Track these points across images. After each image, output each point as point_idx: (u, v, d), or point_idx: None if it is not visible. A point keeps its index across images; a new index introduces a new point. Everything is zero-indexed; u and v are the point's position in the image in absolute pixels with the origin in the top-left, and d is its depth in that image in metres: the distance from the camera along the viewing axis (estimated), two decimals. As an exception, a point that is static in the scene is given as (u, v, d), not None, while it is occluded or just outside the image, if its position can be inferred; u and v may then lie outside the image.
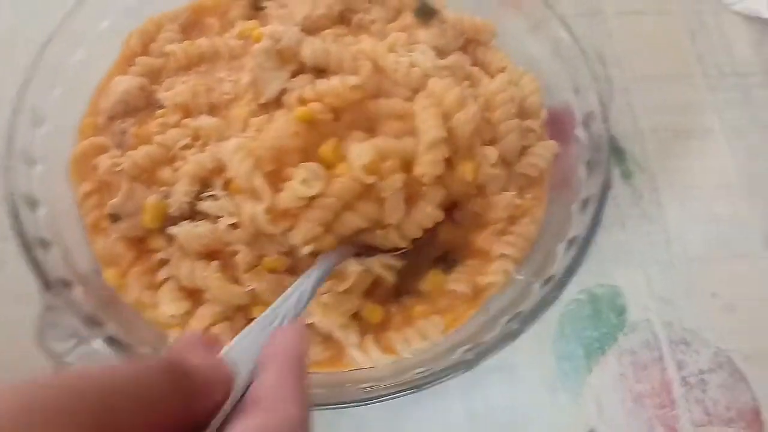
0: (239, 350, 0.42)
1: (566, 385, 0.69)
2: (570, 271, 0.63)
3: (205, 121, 0.71)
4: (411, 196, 0.66)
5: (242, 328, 0.64)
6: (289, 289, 0.52)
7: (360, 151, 0.62)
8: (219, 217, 0.66)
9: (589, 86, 0.75)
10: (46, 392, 0.29)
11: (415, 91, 0.71)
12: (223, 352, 0.42)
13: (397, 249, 0.66)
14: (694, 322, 0.73)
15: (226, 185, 0.67)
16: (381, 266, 0.66)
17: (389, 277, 0.67)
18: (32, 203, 0.67)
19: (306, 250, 0.62)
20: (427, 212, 0.65)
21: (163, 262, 0.68)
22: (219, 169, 0.67)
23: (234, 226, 0.65)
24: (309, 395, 0.38)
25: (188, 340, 0.41)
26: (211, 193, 0.67)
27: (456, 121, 0.66)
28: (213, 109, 0.74)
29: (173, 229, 0.66)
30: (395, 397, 0.58)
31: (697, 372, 0.71)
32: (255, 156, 0.63)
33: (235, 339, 0.44)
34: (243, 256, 0.64)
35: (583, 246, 0.64)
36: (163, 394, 0.33)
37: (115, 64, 0.82)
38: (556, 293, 0.62)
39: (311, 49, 0.72)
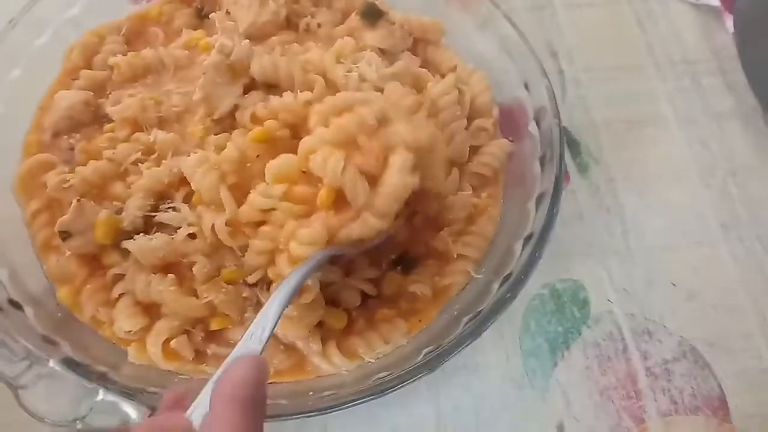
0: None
1: (533, 382, 0.69)
2: (527, 268, 0.62)
3: (160, 136, 0.70)
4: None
5: (201, 341, 0.64)
6: (257, 317, 0.52)
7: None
8: (177, 228, 0.65)
9: (538, 81, 0.75)
10: None
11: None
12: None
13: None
14: (656, 312, 0.74)
15: (187, 197, 0.66)
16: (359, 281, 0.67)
17: (370, 291, 0.67)
18: (-24, 226, 0.65)
19: (252, 279, 0.63)
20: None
21: (118, 278, 0.66)
22: (177, 182, 0.67)
23: (192, 236, 0.64)
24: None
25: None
26: (170, 205, 0.66)
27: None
28: (163, 123, 0.73)
29: (128, 244, 0.64)
30: (359, 404, 0.57)
31: (661, 362, 0.71)
32: (220, 170, 0.63)
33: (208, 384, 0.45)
34: (201, 267, 0.63)
35: (539, 242, 0.64)
36: None
37: (57, 79, 0.80)
38: (515, 291, 0.62)
39: (260, 65, 0.71)
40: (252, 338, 0.49)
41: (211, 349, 0.65)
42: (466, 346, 0.59)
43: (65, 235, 0.65)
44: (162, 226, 0.66)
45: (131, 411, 0.56)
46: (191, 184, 0.64)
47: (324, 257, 0.59)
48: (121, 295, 0.66)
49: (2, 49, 0.75)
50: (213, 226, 0.63)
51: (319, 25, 0.84)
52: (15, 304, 0.61)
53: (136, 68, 0.78)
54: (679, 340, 0.72)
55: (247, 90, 0.74)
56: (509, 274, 0.63)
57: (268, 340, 0.50)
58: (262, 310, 0.52)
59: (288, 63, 0.72)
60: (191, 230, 0.64)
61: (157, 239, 0.64)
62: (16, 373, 0.56)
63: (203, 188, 0.63)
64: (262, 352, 0.48)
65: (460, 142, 0.73)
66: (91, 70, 0.79)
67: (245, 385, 0.40)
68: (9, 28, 0.76)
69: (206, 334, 0.65)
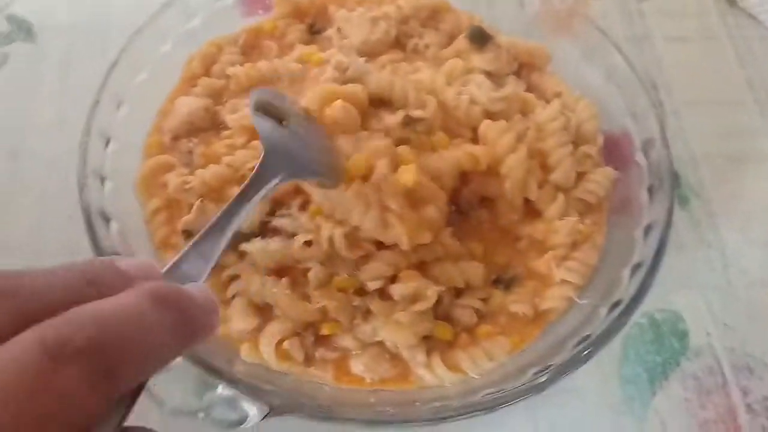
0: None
1: (631, 409, 0.69)
2: (639, 296, 0.63)
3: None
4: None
5: (311, 344, 0.66)
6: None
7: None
8: (293, 234, 0.67)
9: (647, 111, 0.76)
10: None
11: (475, 129, 0.74)
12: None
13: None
14: (757, 347, 0.73)
15: (302, 205, 0.68)
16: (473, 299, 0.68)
17: (482, 308, 0.68)
18: (105, 218, 0.68)
19: (373, 285, 0.65)
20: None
21: (233, 278, 0.69)
22: (293, 191, 0.69)
23: (307, 243, 0.66)
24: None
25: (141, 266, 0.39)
26: (287, 212, 0.68)
27: (506, 166, 0.70)
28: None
29: (246, 246, 0.67)
30: (468, 417, 0.58)
31: (761, 399, 0.70)
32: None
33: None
34: (315, 273, 0.65)
35: (650, 271, 0.64)
36: (163, 332, 0.34)
37: (178, 86, 0.84)
38: (625, 318, 0.62)
39: (377, 81, 0.74)
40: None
41: (320, 353, 0.67)
42: (577, 369, 0.60)
43: (187, 234, 0.68)
44: (277, 231, 0.69)
45: (249, 407, 0.58)
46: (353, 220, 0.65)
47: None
48: (235, 296, 0.68)
49: (131, 54, 0.78)
50: (331, 237, 0.65)
51: (426, 46, 0.86)
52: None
53: (252, 79, 0.81)
54: (780, 377, 0.72)
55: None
56: (618, 301, 0.64)
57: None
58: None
59: (403, 82, 0.74)
60: (308, 238, 0.66)
61: (274, 243, 0.67)
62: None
63: (361, 222, 0.65)
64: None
65: (567, 168, 0.74)
66: (210, 78, 0.83)
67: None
68: (135, 37, 0.80)
69: (316, 338, 0.67)
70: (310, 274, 0.65)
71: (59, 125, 0.89)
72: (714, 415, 0.69)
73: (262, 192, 0.56)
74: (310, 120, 0.68)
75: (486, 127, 0.73)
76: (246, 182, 0.56)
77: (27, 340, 0.29)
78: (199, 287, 0.40)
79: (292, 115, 0.66)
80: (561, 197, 0.73)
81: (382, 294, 0.66)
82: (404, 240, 0.63)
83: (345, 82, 0.74)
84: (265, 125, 0.63)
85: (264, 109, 0.64)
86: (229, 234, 0.51)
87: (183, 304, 0.36)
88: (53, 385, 0.28)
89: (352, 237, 0.65)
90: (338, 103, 0.68)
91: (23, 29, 0.98)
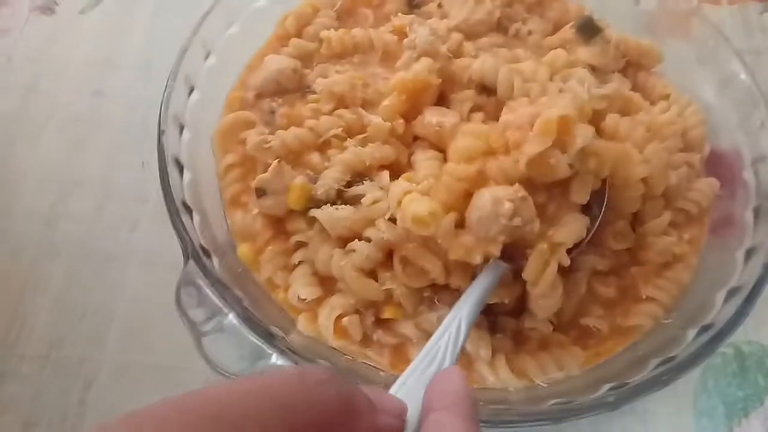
0: (404, 392, 0.44)
1: (704, 444, 0.64)
2: (734, 322, 0.58)
3: (374, 120, 0.70)
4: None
5: (371, 324, 0.63)
6: (445, 322, 0.53)
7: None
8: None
9: (761, 127, 0.70)
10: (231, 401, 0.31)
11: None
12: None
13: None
14: None
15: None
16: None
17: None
18: (179, 167, 0.67)
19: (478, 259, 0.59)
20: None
21: (300, 245, 0.66)
22: (378, 166, 0.67)
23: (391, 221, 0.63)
24: None
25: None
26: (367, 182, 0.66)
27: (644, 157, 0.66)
28: (366, 105, 0.73)
29: (316, 212, 0.64)
30: (532, 426, 0.54)
31: None
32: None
33: (397, 382, 0.45)
34: (373, 251, 0.62)
35: (749, 298, 0.59)
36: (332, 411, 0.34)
37: (268, 43, 0.82)
38: (715, 344, 0.57)
39: (482, 66, 0.70)
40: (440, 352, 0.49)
41: (378, 335, 0.64)
42: (654, 391, 0.55)
43: (261, 192, 0.66)
44: (353, 202, 0.66)
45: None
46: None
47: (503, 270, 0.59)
48: (300, 263, 0.66)
49: (225, 6, 0.77)
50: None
51: (529, 33, 0.82)
52: (205, 251, 0.62)
53: (345, 45, 0.78)
54: None
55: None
56: (709, 325, 0.59)
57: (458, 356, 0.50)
58: (449, 316, 0.53)
59: (507, 70, 0.70)
60: (377, 195, 0.64)
61: (345, 210, 0.64)
62: (200, 319, 0.57)
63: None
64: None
65: (680, 175, 0.69)
66: (302, 39, 0.80)
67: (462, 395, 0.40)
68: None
69: (376, 320, 0.64)
70: (361, 257, 0.62)
71: (145, 69, 0.88)
72: (795, 462, 0.64)
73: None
74: None
75: (614, 121, 0.68)
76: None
77: None
78: None
79: None
80: (667, 214, 0.68)
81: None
82: None
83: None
84: None
85: None
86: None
87: None
88: None
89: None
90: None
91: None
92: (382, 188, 0.66)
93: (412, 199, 0.60)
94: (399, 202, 0.61)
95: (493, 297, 0.60)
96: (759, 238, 0.63)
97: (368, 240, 0.63)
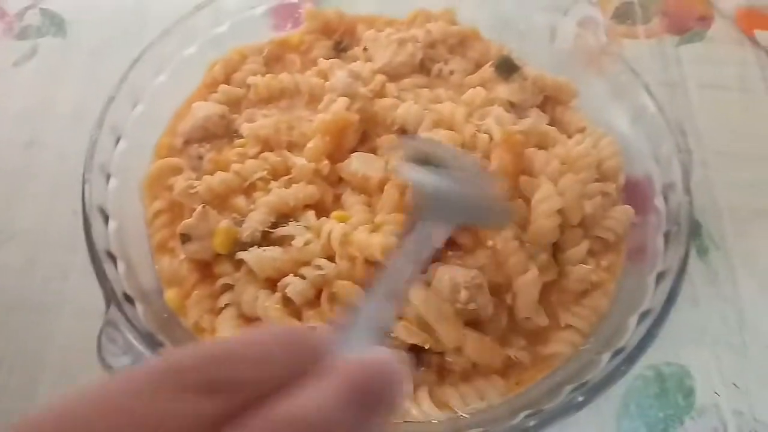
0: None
1: (627, 466, 0.66)
2: (642, 345, 0.60)
3: (299, 162, 0.72)
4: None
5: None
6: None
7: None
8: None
9: (671, 156, 0.73)
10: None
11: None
12: None
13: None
14: (766, 412, 0.69)
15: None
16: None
17: None
18: (104, 216, 0.67)
19: None
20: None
21: (226, 288, 0.67)
22: (302, 207, 0.70)
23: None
24: None
25: None
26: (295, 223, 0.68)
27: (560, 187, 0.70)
28: (291, 147, 0.75)
29: (243, 254, 0.65)
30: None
31: (767, 467, 0.66)
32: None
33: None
34: (303, 290, 0.64)
35: (657, 320, 0.61)
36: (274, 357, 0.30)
37: (197, 90, 0.84)
38: (626, 367, 0.59)
39: (405, 111, 0.74)
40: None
41: (305, 374, 0.64)
42: (569, 416, 0.57)
43: (185, 238, 0.67)
44: (279, 243, 0.67)
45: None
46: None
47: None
48: (226, 306, 0.67)
49: (154, 54, 0.78)
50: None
51: (451, 72, 0.85)
52: (128, 299, 0.63)
53: (272, 90, 0.80)
54: (789, 447, 0.68)
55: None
56: (621, 349, 0.61)
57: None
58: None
59: (419, 111, 0.74)
60: (308, 237, 0.66)
61: (272, 251, 0.65)
62: (119, 366, 0.57)
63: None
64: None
65: (596, 204, 0.72)
66: (229, 86, 0.82)
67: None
68: (162, 37, 0.80)
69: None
70: (295, 292, 0.63)
71: (78, 120, 0.89)
72: (715, 480, 0.65)
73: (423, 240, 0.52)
74: (473, 164, 0.68)
75: (530, 155, 0.72)
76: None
77: None
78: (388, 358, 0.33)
79: (449, 160, 0.63)
80: (585, 243, 0.71)
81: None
82: None
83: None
84: (419, 174, 0.61)
85: (419, 159, 0.62)
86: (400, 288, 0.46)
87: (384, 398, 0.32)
88: None
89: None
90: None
91: (55, 23, 0.99)
92: (308, 227, 0.67)
93: (367, 235, 0.65)
94: (340, 242, 0.64)
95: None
96: (668, 262, 0.66)
97: (302, 277, 0.64)
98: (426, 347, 0.62)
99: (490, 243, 0.67)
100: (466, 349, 0.63)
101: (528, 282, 0.65)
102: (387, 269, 0.46)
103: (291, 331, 0.34)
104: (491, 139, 0.72)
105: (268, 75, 0.82)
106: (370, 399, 0.31)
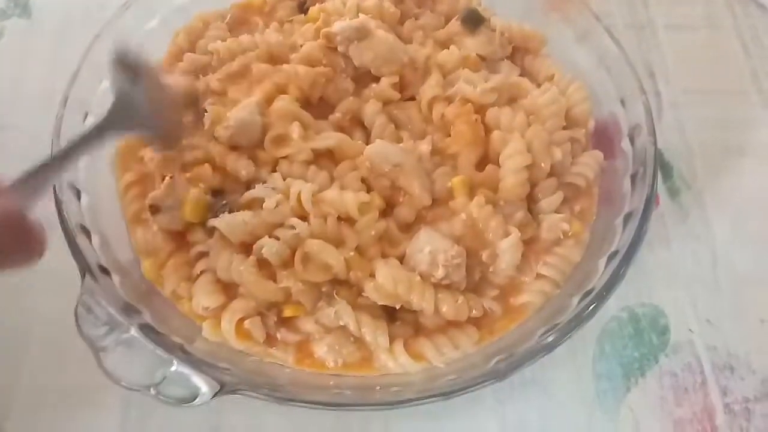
0: None
1: (604, 405, 0.67)
2: (609, 285, 0.61)
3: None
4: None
5: (274, 324, 0.64)
6: None
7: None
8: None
9: (636, 98, 0.73)
10: None
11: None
12: None
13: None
14: (740, 347, 0.70)
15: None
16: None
17: None
18: (77, 192, 0.68)
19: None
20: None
21: (201, 255, 0.68)
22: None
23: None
24: None
25: None
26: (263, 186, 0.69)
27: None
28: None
29: (214, 221, 0.66)
30: (424, 403, 0.56)
31: (741, 399, 0.68)
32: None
33: None
34: (278, 251, 0.64)
35: (623, 261, 0.62)
36: None
37: (164, 60, 0.83)
38: (595, 308, 0.60)
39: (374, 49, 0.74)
40: None
41: (281, 334, 0.65)
42: (539, 358, 0.58)
43: (155, 209, 0.67)
44: (248, 207, 0.67)
45: (202, 384, 0.57)
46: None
47: None
48: (202, 272, 0.67)
49: (115, 31, 0.78)
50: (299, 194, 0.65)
51: (420, 28, 0.84)
52: (104, 270, 0.63)
53: (233, 53, 0.79)
54: (763, 378, 0.69)
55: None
56: (590, 290, 0.62)
57: None
58: None
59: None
60: (278, 198, 0.66)
61: (243, 215, 0.66)
62: (98, 335, 0.58)
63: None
64: None
65: (565, 152, 0.72)
66: (194, 54, 0.82)
67: None
68: (122, 11, 0.79)
69: (278, 319, 0.65)
70: (270, 252, 0.64)
71: (46, 100, 0.87)
72: (690, 414, 0.67)
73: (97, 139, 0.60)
74: (161, 81, 0.68)
75: (495, 114, 0.73)
76: (89, 128, 0.60)
77: None
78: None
79: (144, 72, 0.64)
80: (560, 194, 0.71)
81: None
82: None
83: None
84: (118, 77, 0.63)
85: (122, 61, 0.63)
86: (62, 168, 0.59)
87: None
88: None
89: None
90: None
91: (19, 5, 0.98)
92: (275, 189, 0.68)
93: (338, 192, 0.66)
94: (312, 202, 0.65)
95: None
96: (635, 203, 0.67)
97: (277, 239, 0.65)
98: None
99: (462, 216, 0.67)
100: (440, 311, 0.63)
101: (511, 245, 0.66)
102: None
103: None
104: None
105: (229, 39, 0.81)
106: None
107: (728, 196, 0.80)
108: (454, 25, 0.83)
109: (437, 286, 0.63)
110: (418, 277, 0.63)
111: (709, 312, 0.72)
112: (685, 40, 0.94)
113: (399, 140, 0.72)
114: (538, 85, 0.79)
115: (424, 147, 0.70)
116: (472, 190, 0.68)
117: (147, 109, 0.64)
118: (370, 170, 0.68)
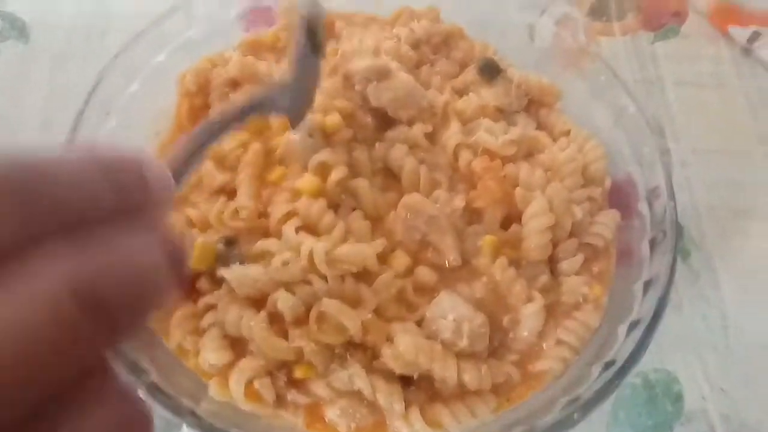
0: None
1: (617, 475, 0.66)
2: (634, 357, 0.59)
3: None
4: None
5: (283, 386, 0.62)
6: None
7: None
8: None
9: (654, 159, 0.73)
10: None
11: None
12: None
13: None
14: (753, 415, 0.70)
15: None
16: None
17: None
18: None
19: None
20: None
21: (209, 308, 0.65)
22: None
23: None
24: None
25: None
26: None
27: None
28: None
29: (224, 271, 0.63)
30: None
31: (754, 470, 0.67)
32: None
33: None
34: (292, 306, 0.62)
35: (648, 331, 0.61)
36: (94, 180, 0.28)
37: (178, 103, 0.81)
38: (618, 380, 0.58)
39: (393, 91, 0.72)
40: None
41: (292, 395, 0.63)
42: (566, 430, 0.56)
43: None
44: (258, 259, 0.65)
45: (213, 450, 0.54)
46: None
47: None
48: (210, 326, 0.65)
49: (124, 63, 0.76)
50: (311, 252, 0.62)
51: (437, 74, 0.83)
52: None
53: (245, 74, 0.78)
54: (775, 448, 0.68)
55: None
56: (612, 361, 0.60)
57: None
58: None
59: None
60: (286, 257, 0.63)
61: (254, 269, 0.63)
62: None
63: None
64: None
65: (584, 211, 0.71)
66: (204, 95, 0.79)
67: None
68: (131, 44, 0.77)
69: (288, 380, 0.63)
70: (286, 306, 0.61)
71: (45, 128, 0.86)
72: (705, 485, 0.66)
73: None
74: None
75: (517, 168, 0.72)
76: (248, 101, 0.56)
77: (55, 283, 0.25)
78: None
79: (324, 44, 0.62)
80: (581, 256, 0.70)
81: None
82: None
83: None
84: (303, 42, 0.59)
85: (310, 27, 0.60)
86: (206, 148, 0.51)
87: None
88: (78, 344, 0.25)
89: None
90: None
91: (16, 27, 0.95)
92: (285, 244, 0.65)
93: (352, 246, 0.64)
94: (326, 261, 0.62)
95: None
96: (655, 269, 0.66)
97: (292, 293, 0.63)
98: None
99: (484, 279, 0.66)
100: (463, 381, 0.61)
101: (534, 311, 0.64)
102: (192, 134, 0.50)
103: (117, 159, 0.30)
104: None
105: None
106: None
107: (737, 260, 0.80)
108: (471, 73, 0.82)
109: (459, 355, 0.61)
110: (440, 346, 0.61)
111: (721, 379, 0.72)
112: (693, 98, 0.94)
113: (435, 186, 0.70)
114: (554, 140, 0.78)
115: (458, 202, 0.68)
116: (496, 250, 0.67)
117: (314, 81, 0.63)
118: (405, 221, 0.66)
